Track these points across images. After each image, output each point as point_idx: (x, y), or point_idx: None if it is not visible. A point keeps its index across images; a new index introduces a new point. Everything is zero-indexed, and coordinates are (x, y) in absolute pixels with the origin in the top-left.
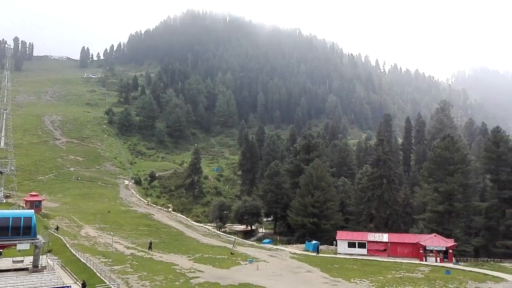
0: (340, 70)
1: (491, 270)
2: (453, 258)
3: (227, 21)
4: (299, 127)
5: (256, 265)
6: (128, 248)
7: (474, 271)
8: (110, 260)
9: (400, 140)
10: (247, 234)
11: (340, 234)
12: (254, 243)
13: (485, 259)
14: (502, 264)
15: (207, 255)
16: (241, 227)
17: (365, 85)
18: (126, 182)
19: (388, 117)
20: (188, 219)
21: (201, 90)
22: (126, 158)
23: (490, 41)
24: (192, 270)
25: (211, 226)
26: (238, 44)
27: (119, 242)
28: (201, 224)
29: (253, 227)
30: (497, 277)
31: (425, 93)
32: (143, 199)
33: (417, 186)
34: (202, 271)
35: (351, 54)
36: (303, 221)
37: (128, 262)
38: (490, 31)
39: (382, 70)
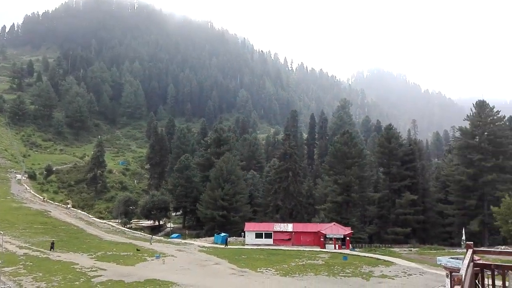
0: (251, 66)
1: (382, 255)
2: (350, 245)
3: (135, 8)
4: (210, 121)
5: (162, 260)
6: (21, 248)
7: (368, 256)
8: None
9: (305, 135)
10: (154, 230)
11: (248, 226)
12: (161, 238)
13: (378, 245)
14: (392, 249)
15: (111, 253)
16: (149, 223)
17: (274, 82)
18: (19, 176)
19: (295, 113)
20: (90, 216)
21: (105, 78)
22: (18, 150)
23: (385, 45)
24: (94, 269)
25: (115, 222)
26: (147, 33)
27: (10, 242)
28: (104, 221)
29: (161, 222)
30: (388, 261)
31: (328, 92)
32: (38, 195)
33: (319, 179)
34: (105, 269)
35: (262, 51)
36: (212, 214)
37: (21, 263)
38: (386, 35)
39: (290, 68)
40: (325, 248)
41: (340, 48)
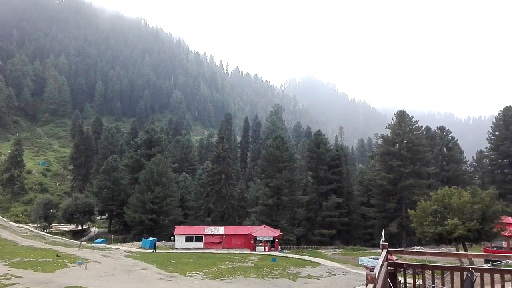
0: (186, 67)
1: (309, 256)
2: (279, 247)
3: None
4: (141, 121)
5: (85, 266)
6: None
7: (296, 258)
8: None
9: (239, 139)
10: (77, 234)
11: (178, 230)
12: (85, 243)
13: (305, 246)
14: (318, 250)
15: (28, 259)
16: (71, 227)
17: (209, 84)
18: None
19: (229, 117)
20: (5, 219)
21: (27, 72)
22: None
23: (317, 54)
24: (8, 277)
25: (33, 226)
26: (75, 26)
27: None
28: (21, 225)
29: (85, 227)
30: (314, 262)
31: (262, 96)
32: None
33: (252, 182)
34: (21, 277)
35: (197, 52)
36: (141, 218)
37: None
38: (318, 44)
39: (226, 71)
40: (255, 250)
41: (274, 54)
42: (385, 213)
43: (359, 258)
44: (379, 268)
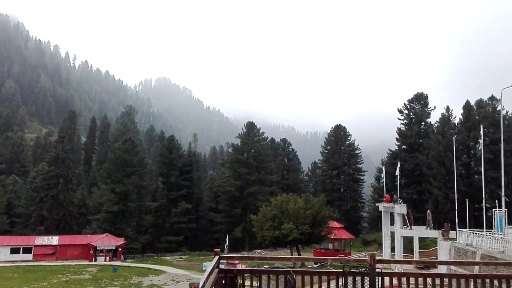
0: (24, 55)
1: (154, 264)
2: (122, 256)
3: None
4: None
5: None
6: None
7: (139, 267)
8: None
9: (84, 139)
10: None
11: (1, 240)
12: None
13: (151, 254)
14: (164, 257)
15: None
16: None
17: (51, 77)
18: None
19: (73, 114)
20: None
21: None
22: None
23: (175, 57)
24: None
25: None
26: None
27: None
28: None
29: None
30: (158, 270)
31: (113, 96)
32: None
33: (95, 187)
34: None
35: (39, 39)
36: None
37: None
38: (175, 46)
39: (72, 65)
40: (95, 261)
41: (130, 52)
42: (231, 218)
43: (203, 263)
44: (206, 276)
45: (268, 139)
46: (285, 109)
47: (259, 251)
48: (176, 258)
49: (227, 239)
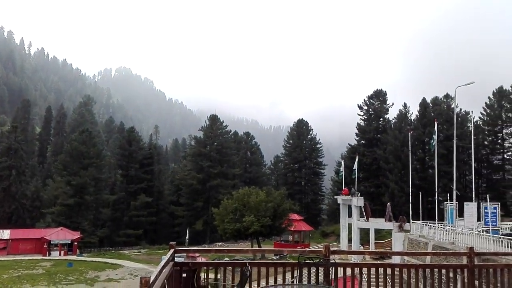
0: None
1: (112, 258)
2: (78, 250)
3: None
4: None
5: None
6: None
7: (96, 261)
8: None
9: (38, 130)
10: None
11: None
12: None
13: (108, 248)
14: (122, 251)
15: None
16: None
17: (4, 64)
18: None
19: (28, 104)
20: None
21: None
22: None
23: (137, 46)
24: None
25: None
26: None
27: None
28: None
29: None
30: (116, 264)
31: (71, 85)
32: None
33: (50, 179)
34: None
35: None
36: None
37: None
38: (137, 35)
39: (27, 52)
40: (49, 255)
41: (89, 40)
42: (193, 211)
43: (162, 257)
44: (159, 269)
45: (232, 132)
46: (249, 102)
47: (219, 244)
48: (135, 252)
49: (187, 232)
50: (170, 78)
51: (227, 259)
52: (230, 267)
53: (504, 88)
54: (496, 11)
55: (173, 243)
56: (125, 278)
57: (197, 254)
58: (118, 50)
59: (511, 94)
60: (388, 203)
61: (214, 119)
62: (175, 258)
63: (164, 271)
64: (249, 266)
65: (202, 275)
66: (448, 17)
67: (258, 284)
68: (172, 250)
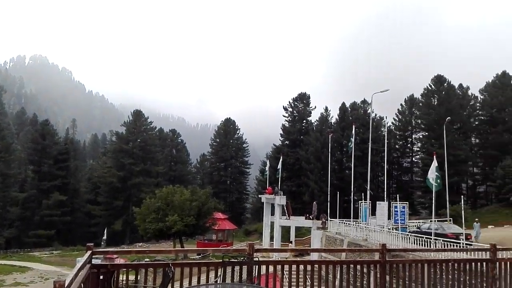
0: None
1: (20, 260)
2: None
3: None
4: None
5: None
6: None
7: (1, 264)
8: None
9: None
10: None
11: None
12: None
13: (16, 250)
14: (31, 253)
15: None
16: None
17: None
18: None
19: None
20: None
21: None
22: None
23: (53, 34)
24: None
25: None
26: None
27: None
28: None
29: None
30: (24, 267)
31: None
32: None
33: None
34: None
35: None
36: None
37: None
38: (54, 23)
39: None
40: None
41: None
42: (112, 210)
43: (77, 259)
44: (74, 272)
45: (157, 129)
46: (175, 99)
47: (140, 244)
48: (46, 254)
49: (105, 232)
50: (91, 69)
51: (147, 260)
52: (152, 268)
53: (414, 96)
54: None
55: (91, 244)
56: (34, 281)
57: (115, 256)
58: (34, 36)
59: (420, 102)
60: (314, 202)
61: (138, 114)
62: (93, 260)
63: (80, 274)
64: (172, 267)
65: (122, 277)
66: (370, 24)
67: (181, 285)
68: (89, 252)
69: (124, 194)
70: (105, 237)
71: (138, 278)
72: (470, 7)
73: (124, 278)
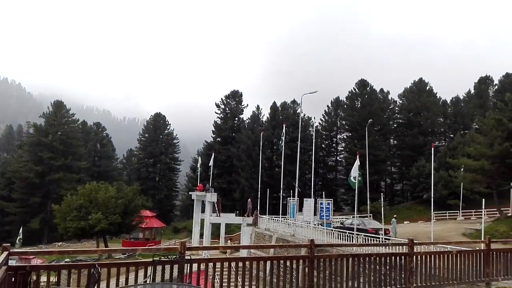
0: None
1: None
2: None
3: None
4: None
5: None
6: None
7: None
8: None
9: None
10: None
11: None
12: None
13: None
14: None
15: None
16: None
17: None
18: None
19: None
20: None
21: None
22: None
23: None
24: None
25: None
26: None
27: None
28: None
29: None
30: None
31: None
32: None
33: None
34: None
35: None
36: None
37: None
38: None
39: None
40: None
41: None
42: (28, 208)
43: None
44: None
45: (79, 121)
46: (101, 91)
47: (59, 243)
48: None
49: (20, 231)
50: (7, 55)
51: (68, 260)
52: (76, 270)
53: (340, 99)
54: (338, 33)
55: (7, 244)
56: None
57: (31, 257)
58: None
59: (345, 104)
60: (249, 199)
61: (59, 105)
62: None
63: None
64: (98, 268)
65: (42, 279)
66: (306, 28)
67: (108, 286)
68: (5, 253)
69: (42, 190)
70: (20, 236)
71: (57, 280)
72: (392, 18)
73: (45, 280)
